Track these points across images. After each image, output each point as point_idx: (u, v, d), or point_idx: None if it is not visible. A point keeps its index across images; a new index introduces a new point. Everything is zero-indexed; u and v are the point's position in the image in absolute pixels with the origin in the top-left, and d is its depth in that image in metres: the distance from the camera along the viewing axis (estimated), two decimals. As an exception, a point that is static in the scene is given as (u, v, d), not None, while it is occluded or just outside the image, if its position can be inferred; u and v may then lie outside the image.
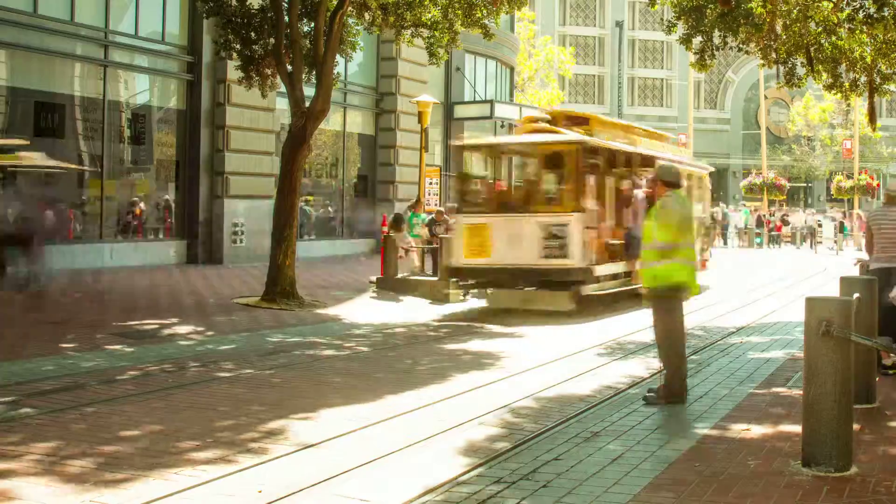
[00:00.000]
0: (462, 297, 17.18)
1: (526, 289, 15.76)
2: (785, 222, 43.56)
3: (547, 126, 16.86)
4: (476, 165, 17.97)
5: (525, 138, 17.06)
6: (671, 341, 8.13)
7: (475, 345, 11.92)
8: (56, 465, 5.94)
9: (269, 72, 16.26)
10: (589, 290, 15.58)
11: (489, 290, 16.40)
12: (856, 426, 6.17)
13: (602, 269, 16.03)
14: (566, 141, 16.11)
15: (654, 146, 19.97)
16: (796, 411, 7.13)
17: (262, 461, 6.11)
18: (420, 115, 19.67)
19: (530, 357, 10.74)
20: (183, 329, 12.39)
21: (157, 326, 12.48)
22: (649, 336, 12.61)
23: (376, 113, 28.06)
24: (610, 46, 70.38)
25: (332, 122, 25.70)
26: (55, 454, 6.18)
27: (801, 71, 17.61)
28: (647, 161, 18.30)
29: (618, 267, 16.76)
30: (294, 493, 5.43)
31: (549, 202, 16.32)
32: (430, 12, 16.63)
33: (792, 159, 65.07)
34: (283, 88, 16.80)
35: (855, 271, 10.83)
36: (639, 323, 14.36)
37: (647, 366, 10.27)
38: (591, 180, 16.05)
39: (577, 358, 10.84)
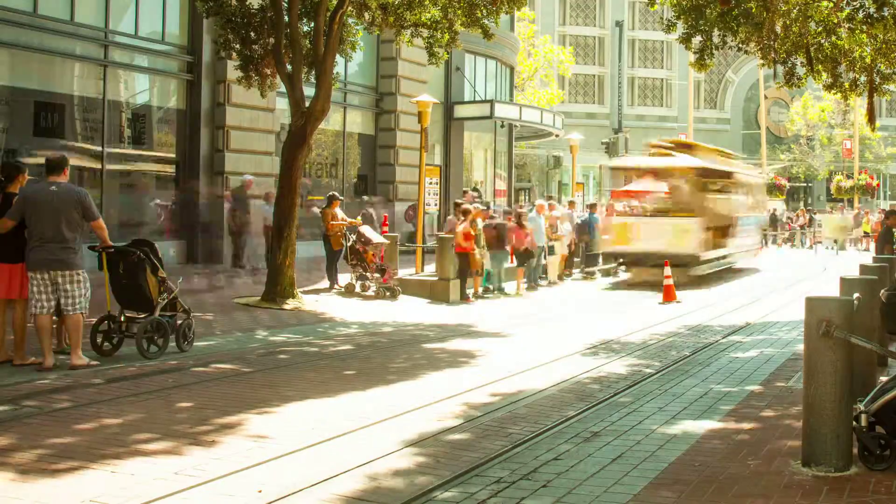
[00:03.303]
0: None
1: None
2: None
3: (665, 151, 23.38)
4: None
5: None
6: None
7: (472, 344, 11.92)
8: (49, 464, 5.94)
9: (268, 72, 16.25)
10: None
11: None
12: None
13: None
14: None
15: (732, 164, 26.52)
16: (796, 411, 7.14)
17: (262, 461, 6.12)
18: (420, 115, 19.66)
19: (517, 359, 10.69)
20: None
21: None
22: (637, 337, 12.67)
23: (376, 113, 28.06)
24: (610, 46, 70.39)
25: (332, 122, 25.69)
26: (50, 453, 6.18)
27: (800, 71, 17.60)
28: (730, 176, 24.94)
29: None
30: (294, 493, 5.43)
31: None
32: (429, 12, 16.63)
33: (791, 159, 65.10)
34: (282, 88, 16.78)
35: (855, 271, 10.82)
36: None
37: (628, 365, 10.27)
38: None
39: (566, 360, 10.82)
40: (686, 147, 24.29)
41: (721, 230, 23.01)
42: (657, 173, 22.77)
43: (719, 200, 23.59)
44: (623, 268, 23.16)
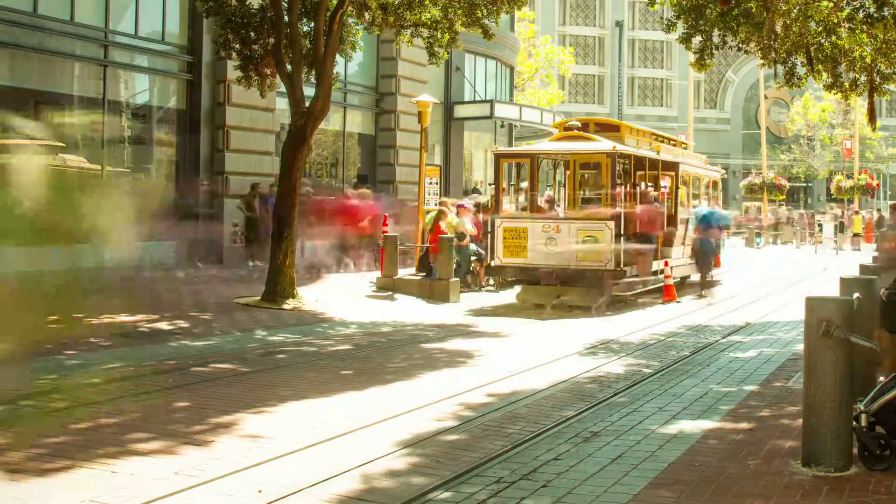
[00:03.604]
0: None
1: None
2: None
3: (581, 133, 17.95)
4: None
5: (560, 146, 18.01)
6: None
7: (472, 344, 11.91)
8: (49, 464, 5.94)
9: (268, 71, 16.25)
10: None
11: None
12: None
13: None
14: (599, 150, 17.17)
15: (674, 152, 21.08)
16: (796, 411, 7.14)
17: (262, 461, 6.11)
18: (420, 115, 19.64)
19: (516, 359, 10.68)
20: (181, 329, 12.38)
21: (154, 326, 12.47)
22: (637, 337, 12.67)
23: (376, 113, 28.05)
24: (610, 46, 70.41)
25: (332, 122, 25.68)
26: (49, 453, 6.18)
27: (801, 71, 17.60)
28: (670, 167, 19.72)
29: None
30: (294, 493, 5.43)
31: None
32: (430, 12, 16.62)
33: (791, 159, 65.10)
34: (282, 88, 16.77)
35: (855, 270, 10.82)
36: (644, 321, 14.38)
37: (628, 365, 10.27)
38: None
39: (565, 360, 10.82)
40: (609, 129, 19.23)
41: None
42: (562, 162, 18.68)
43: (654, 198, 19.23)
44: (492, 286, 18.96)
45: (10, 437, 6.58)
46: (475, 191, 31.88)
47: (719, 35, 16.70)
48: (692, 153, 25.12)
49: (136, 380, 8.99)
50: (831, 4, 15.93)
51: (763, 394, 8.46)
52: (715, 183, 24.17)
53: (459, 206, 19.73)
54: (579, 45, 68.43)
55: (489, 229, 17.57)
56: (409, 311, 15.82)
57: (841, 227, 40.68)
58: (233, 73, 18.30)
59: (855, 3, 15.80)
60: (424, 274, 18.30)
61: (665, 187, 19.86)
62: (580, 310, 15.98)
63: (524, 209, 17.56)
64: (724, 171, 26.79)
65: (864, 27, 15.25)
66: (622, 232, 16.57)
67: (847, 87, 18.05)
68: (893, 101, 64.46)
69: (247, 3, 16.15)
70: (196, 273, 19.12)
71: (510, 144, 35.54)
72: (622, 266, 16.47)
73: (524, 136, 36.57)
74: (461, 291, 17.74)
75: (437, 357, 10.92)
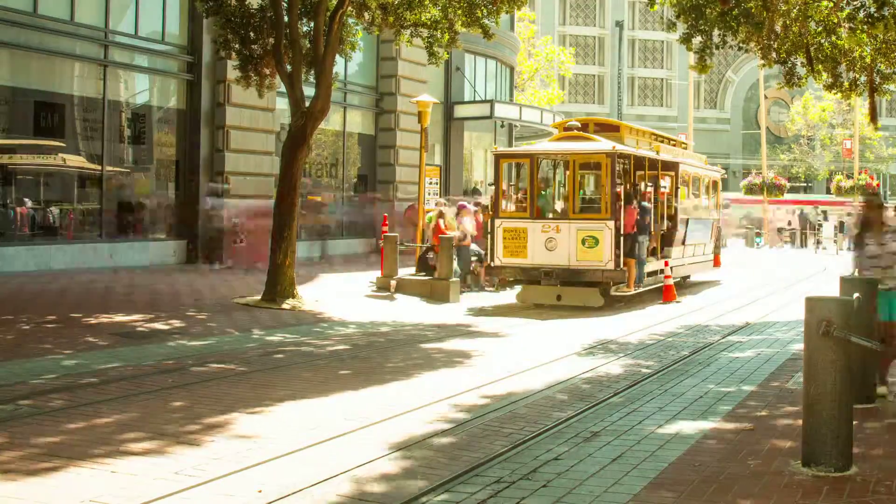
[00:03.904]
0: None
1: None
2: None
3: (580, 133, 18.02)
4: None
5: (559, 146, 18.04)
6: None
7: (471, 344, 11.91)
8: (49, 464, 5.93)
9: (267, 71, 16.25)
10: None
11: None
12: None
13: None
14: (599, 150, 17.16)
15: (674, 152, 21.15)
16: (795, 411, 7.14)
17: (262, 461, 6.11)
18: (420, 115, 19.64)
19: (516, 359, 10.68)
20: (180, 329, 12.37)
21: (154, 326, 12.46)
22: (637, 338, 12.67)
23: (376, 113, 28.05)
24: (610, 46, 70.44)
25: (332, 122, 25.68)
26: (49, 454, 6.17)
27: (801, 71, 17.60)
28: (670, 167, 19.76)
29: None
30: (294, 493, 5.43)
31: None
32: (430, 12, 16.62)
33: (791, 159, 65.09)
34: (281, 88, 16.77)
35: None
36: (644, 321, 14.38)
37: (627, 365, 10.26)
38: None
39: (565, 361, 10.81)
40: (609, 129, 19.20)
41: (655, 236, 18.87)
42: (561, 162, 18.46)
43: (653, 198, 19.04)
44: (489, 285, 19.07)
45: (10, 437, 6.58)
46: (475, 191, 31.91)
47: (719, 35, 16.70)
48: (692, 153, 25.11)
49: (136, 380, 8.98)
50: (831, 4, 15.92)
51: (762, 394, 8.45)
52: (715, 183, 24.18)
53: (460, 207, 19.74)
54: (579, 45, 68.47)
55: (489, 230, 17.58)
56: (409, 311, 15.82)
57: (841, 227, 40.67)
58: (233, 73, 18.30)
59: (855, 3, 15.79)
60: (424, 273, 18.32)
61: (665, 187, 19.85)
62: (580, 310, 16.00)
63: (523, 209, 17.47)
64: (723, 171, 26.74)
65: (864, 27, 15.23)
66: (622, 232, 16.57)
67: (847, 87, 18.05)
68: (893, 101, 64.50)
69: (246, 3, 16.15)
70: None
71: (510, 144, 35.55)
72: (622, 266, 16.48)
73: (524, 136, 36.58)
74: (461, 291, 17.75)
75: (436, 357, 10.92)
